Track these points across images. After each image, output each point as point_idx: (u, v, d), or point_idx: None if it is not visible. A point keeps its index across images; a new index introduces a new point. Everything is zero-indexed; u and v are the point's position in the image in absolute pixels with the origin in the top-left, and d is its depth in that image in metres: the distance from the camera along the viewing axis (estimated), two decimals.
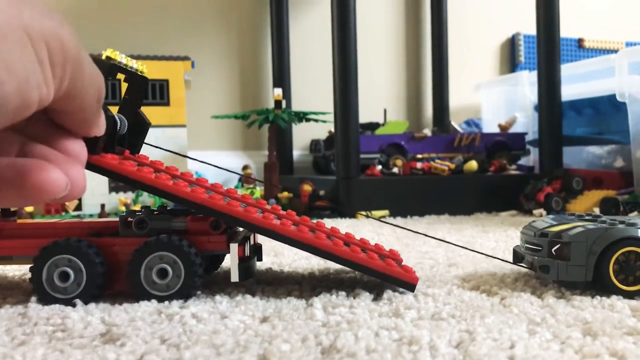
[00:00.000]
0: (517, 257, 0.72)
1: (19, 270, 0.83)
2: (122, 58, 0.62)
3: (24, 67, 0.25)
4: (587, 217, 0.72)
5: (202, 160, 0.72)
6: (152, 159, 0.67)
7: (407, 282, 0.65)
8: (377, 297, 0.64)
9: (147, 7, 2.19)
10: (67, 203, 1.71)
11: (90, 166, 0.59)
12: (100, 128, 0.34)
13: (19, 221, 0.73)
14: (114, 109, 0.60)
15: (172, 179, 0.64)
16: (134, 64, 0.64)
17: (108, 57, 0.61)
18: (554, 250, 0.65)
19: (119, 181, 0.62)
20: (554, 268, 0.65)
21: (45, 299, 0.63)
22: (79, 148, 0.32)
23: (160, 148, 0.67)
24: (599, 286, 0.65)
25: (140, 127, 0.63)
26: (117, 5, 2.15)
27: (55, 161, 0.29)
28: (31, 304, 0.62)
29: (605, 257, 0.63)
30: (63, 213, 1.71)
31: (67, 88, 0.28)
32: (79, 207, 1.76)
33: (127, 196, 1.81)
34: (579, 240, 0.63)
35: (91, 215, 1.73)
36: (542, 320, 0.54)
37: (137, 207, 1.68)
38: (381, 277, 0.65)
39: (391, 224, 0.77)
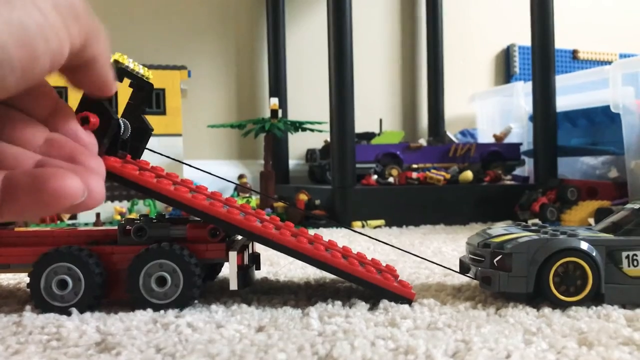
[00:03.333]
0: (464, 268, 0.71)
1: (13, 279, 0.83)
2: (129, 63, 0.62)
3: (19, 16, 0.25)
4: (532, 228, 0.71)
5: (198, 167, 0.72)
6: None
7: (404, 297, 0.65)
8: (373, 306, 0.64)
9: (144, 16, 2.20)
10: None
11: None
12: (114, 86, 0.34)
13: (16, 229, 0.72)
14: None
15: (173, 185, 0.64)
16: (141, 70, 0.64)
17: (116, 61, 0.62)
18: (496, 262, 0.64)
19: (121, 184, 0.62)
20: (495, 279, 0.64)
21: (42, 307, 0.63)
22: (98, 163, 0.32)
23: (160, 154, 0.67)
24: (540, 297, 0.64)
25: (142, 133, 0.63)
26: (114, 15, 2.15)
27: (73, 170, 0.29)
28: (26, 312, 0.62)
29: (545, 268, 0.63)
30: (58, 222, 1.70)
31: (83, 37, 0.28)
32: (74, 216, 1.75)
33: (123, 205, 1.80)
34: (520, 252, 0.63)
35: (86, 224, 1.72)
36: (537, 330, 0.55)
37: (133, 216, 1.67)
38: (378, 290, 0.65)
39: (362, 234, 0.77)
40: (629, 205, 0.70)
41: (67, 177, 0.27)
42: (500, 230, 0.71)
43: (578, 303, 0.63)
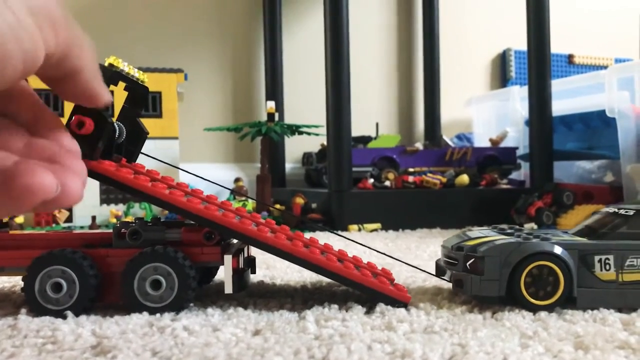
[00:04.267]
0: (440, 271, 0.71)
1: (8, 282, 0.83)
2: (124, 66, 0.62)
3: None
4: (508, 231, 0.71)
5: (193, 173, 0.72)
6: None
7: (399, 301, 0.65)
8: (370, 310, 0.64)
9: (140, 19, 2.20)
10: (57, 215, 1.70)
11: (88, 172, 0.59)
12: (107, 97, 0.34)
13: (10, 232, 0.72)
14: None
15: (168, 189, 0.63)
16: (136, 73, 0.64)
17: (111, 65, 0.62)
18: (469, 265, 0.64)
19: (116, 188, 0.62)
20: (467, 282, 0.64)
21: (37, 310, 0.63)
22: (79, 165, 0.31)
23: (153, 157, 0.67)
24: (513, 301, 0.64)
25: (138, 136, 0.63)
26: (111, 18, 2.15)
27: (48, 168, 0.29)
28: (21, 315, 0.62)
29: (517, 271, 0.63)
30: (53, 225, 1.70)
31: (63, 44, 0.28)
32: (69, 219, 1.75)
33: (119, 208, 1.80)
34: (492, 255, 0.63)
35: (82, 227, 1.72)
36: (534, 334, 0.55)
37: (129, 219, 1.67)
38: (374, 294, 0.65)
39: (344, 237, 0.76)
40: (604, 209, 0.71)
41: (38, 172, 0.27)
42: (476, 233, 0.71)
43: (550, 307, 0.63)
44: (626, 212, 0.67)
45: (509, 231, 0.71)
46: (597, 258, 0.63)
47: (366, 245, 0.78)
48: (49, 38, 0.27)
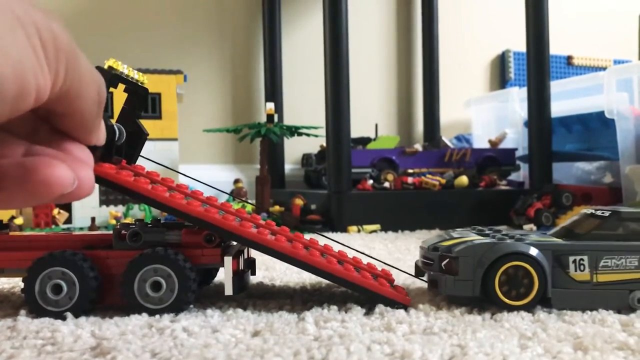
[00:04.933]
0: (419, 271, 0.72)
1: (7, 284, 0.83)
2: (124, 68, 0.62)
3: (18, 50, 0.25)
4: (485, 232, 0.72)
5: (190, 176, 0.72)
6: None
7: (399, 303, 0.65)
8: (369, 311, 0.64)
9: (140, 21, 2.20)
10: (57, 216, 1.70)
11: None
12: (100, 137, 0.34)
13: (10, 234, 0.72)
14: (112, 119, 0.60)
15: (168, 191, 0.63)
16: (135, 75, 0.64)
17: (110, 67, 0.62)
18: (444, 265, 0.65)
19: (116, 191, 0.62)
20: (442, 282, 0.65)
21: (36, 311, 0.63)
22: (85, 154, 0.31)
23: (150, 160, 0.67)
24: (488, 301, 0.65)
25: (137, 138, 0.63)
26: (111, 19, 2.15)
27: (63, 159, 0.29)
28: (20, 317, 0.62)
29: (491, 271, 0.63)
30: (53, 226, 1.70)
31: (64, 83, 0.28)
32: (69, 220, 1.75)
33: (118, 209, 1.80)
34: (467, 255, 0.64)
35: (81, 229, 1.72)
36: (533, 335, 0.55)
37: (128, 220, 1.67)
38: (374, 296, 0.65)
39: (327, 237, 0.76)
40: (582, 211, 0.71)
41: (56, 165, 0.27)
42: (454, 234, 0.71)
43: (524, 307, 0.63)
44: (602, 213, 0.67)
45: (486, 232, 0.71)
46: (571, 259, 0.64)
47: (345, 244, 0.78)
48: (58, 70, 0.27)
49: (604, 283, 0.63)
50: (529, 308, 0.63)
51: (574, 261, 0.64)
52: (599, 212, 0.68)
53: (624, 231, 0.65)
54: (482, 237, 0.67)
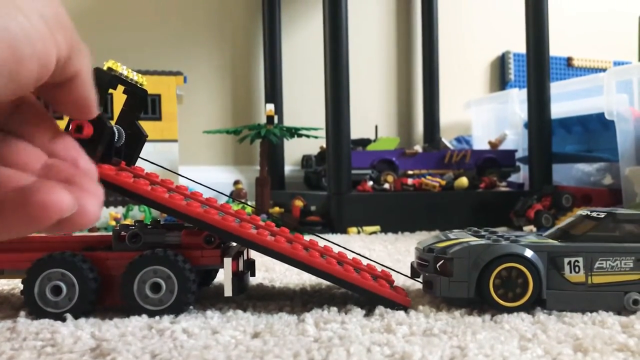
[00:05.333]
0: (415, 273, 0.71)
1: (7, 285, 0.83)
2: (123, 70, 0.62)
3: (5, 20, 0.25)
4: (481, 233, 0.72)
5: (189, 178, 0.72)
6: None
7: (399, 304, 0.65)
8: (369, 312, 0.64)
9: (140, 22, 2.20)
10: None
11: None
12: (95, 108, 0.34)
13: None
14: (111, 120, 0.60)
15: (167, 192, 0.63)
16: (135, 76, 0.64)
17: (109, 69, 0.62)
18: (438, 266, 0.65)
19: (115, 192, 0.62)
20: (437, 284, 0.65)
21: (36, 313, 0.63)
22: (96, 187, 0.31)
23: (149, 162, 0.67)
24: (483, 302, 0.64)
25: (137, 139, 0.63)
26: (110, 20, 2.16)
27: (65, 187, 0.29)
28: (20, 318, 0.62)
29: (486, 273, 0.63)
30: None
31: (68, 48, 0.28)
32: None
33: (118, 211, 1.80)
34: (461, 257, 0.64)
35: (81, 230, 1.71)
36: (533, 337, 0.55)
37: (128, 222, 1.67)
38: (373, 297, 0.65)
39: (321, 237, 0.76)
40: (578, 212, 0.71)
41: (54, 190, 0.27)
42: (450, 235, 0.71)
43: (519, 308, 0.63)
44: (598, 215, 0.67)
45: (482, 233, 0.71)
46: (566, 260, 0.64)
47: (336, 243, 0.78)
48: (59, 41, 0.27)
49: (599, 285, 0.64)
50: (524, 310, 0.63)
51: (569, 263, 0.64)
52: (594, 214, 0.68)
53: (620, 233, 0.65)
54: (477, 239, 0.67)
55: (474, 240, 0.66)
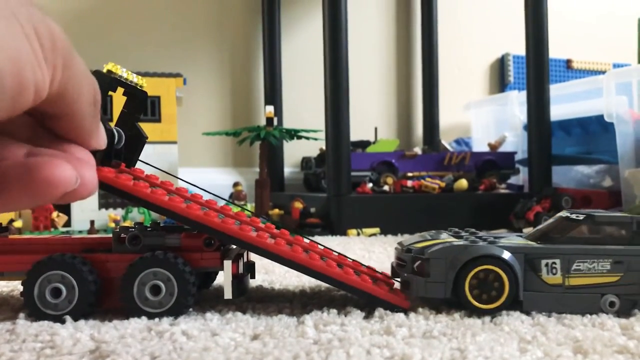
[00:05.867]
0: (395, 273, 0.71)
1: (6, 287, 0.83)
2: (122, 72, 0.63)
3: (15, 44, 0.24)
4: (461, 234, 0.72)
5: (187, 181, 0.72)
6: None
7: (398, 307, 0.65)
8: (369, 314, 0.64)
9: (139, 24, 2.20)
10: (56, 219, 1.70)
11: None
12: (100, 140, 0.33)
13: (10, 237, 0.72)
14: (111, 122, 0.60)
15: (167, 194, 0.63)
16: (134, 78, 0.64)
17: (109, 71, 0.62)
18: (416, 267, 0.65)
19: (115, 195, 0.62)
20: (414, 284, 0.65)
21: (35, 315, 0.63)
22: (86, 154, 0.31)
23: (148, 164, 0.67)
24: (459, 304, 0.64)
25: (137, 141, 0.63)
26: (110, 22, 2.16)
27: (65, 158, 0.29)
28: (19, 320, 0.62)
29: (462, 274, 0.63)
30: (52, 229, 1.69)
31: (61, 80, 0.28)
32: (68, 223, 1.75)
33: (117, 212, 1.80)
34: (438, 257, 0.63)
35: (80, 232, 1.71)
36: (533, 339, 0.55)
37: (128, 224, 1.67)
38: (373, 300, 0.65)
39: (309, 238, 0.76)
40: (558, 214, 0.71)
41: (59, 164, 0.27)
42: (428, 235, 0.71)
43: (495, 310, 0.63)
44: (577, 217, 0.67)
45: (462, 234, 0.71)
46: (544, 262, 0.64)
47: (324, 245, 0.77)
48: (55, 66, 0.27)
49: (576, 286, 0.64)
50: (499, 311, 0.63)
51: (547, 264, 0.64)
52: (574, 216, 0.68)
53: (598, 235, 0.66)
54: (455, 239, 0.67)
55: (452, 241, 0.66)
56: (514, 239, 0.68)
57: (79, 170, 0.29)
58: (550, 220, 0.71)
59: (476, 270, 0.63)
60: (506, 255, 0.63)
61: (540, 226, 0.71)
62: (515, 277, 0.63)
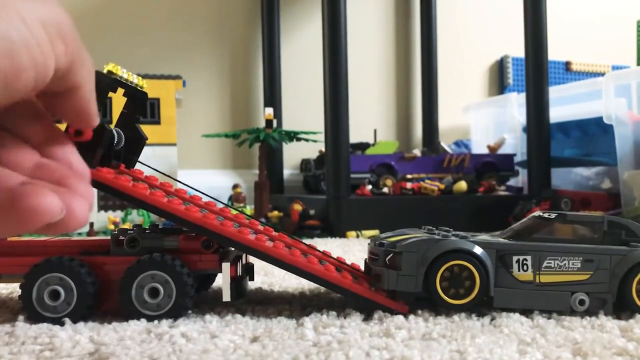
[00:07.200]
0: (368, 269, 0.71)
1: (5, 289, 0.82)
2: (123, 73, 0.63)
3: (6, 27, 0.25)
4: (435, 231, 0.72)
5: (186, 184, 0.72)
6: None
7: (395, 311, 0.65)
8: (368, 317, 0.64)
9: (139, 26, 2.20)
10: None
11: None
12: (97, 118, 0.34)
13: (8, 239, 0.72)
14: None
15: (166, 196, 0.63)
16: (135, 79, 0.64)
17: (109, 72, 0.62)
18: (388, 260, 0.65)
19: (114, 196, 0.62)
20: (385, 277, 0.65)
21: (34, 318, 0.62)
22: (86, 189, 0.31)
23: (147, 166, 0.67)
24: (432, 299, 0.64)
25: (136, 142, 0.63)
26: (109, 24, 2.16)
27: (55, 190, 0.29)
28: (19, 322, 0.62)
29: (433, 268, 0.63)
30: None
31: (67, 59, 0.28)
32: None
33: (116, 215, 1.80)
34: (410, 251, 0.64)
35: (79, 234, 1.71)
36: (532, 341, 0.55)
37: (127, 226, 1.67)
38: (371, 304, 0.65)
39: (298, 240, 0.76)
40: (533, 214, 0.71)
41: (44, 194, 0.27)
42: (403, 231, 0.71)
43: (465, 306, 0.63)
44: (549, 215, 0.68)
45: (435, 231, 0.71)
46: (515, 258, 0.64)
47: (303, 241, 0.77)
48: (59, 51, 0.27)
49: (546, 284, 0.64)
50: (470, 307, 0.63)
51: (518, 261, 0.64)
52: (546, 215, 0.68)
53: (570, 234, 0.66)
54: (428, 235, 0.67)
55: (424, 236, 0.66)
56: (488, 236, 0.68)
57: (69, 202, 0.29)
58: (524, 220, 0.71)
59: (447, 265, 0.63)
60: (478, 250, 0.63)
61: (514, 225, 0.72)
62: (486, 272, 0.63)
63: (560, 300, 0.64)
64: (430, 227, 0.72)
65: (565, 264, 0.64)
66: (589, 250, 0.64)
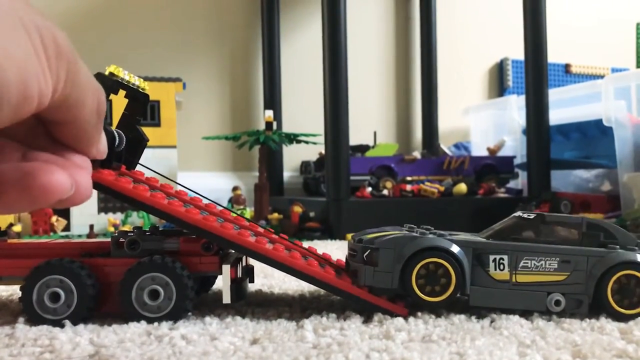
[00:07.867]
0: (348, 266, 0.71)
1: (5, 291, 0.83)
2: (124, 75, 0.63)
3: (22, 53, 0.25)
4: (417, 229, 0.72)
5: (186, 186, 0.72)
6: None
7: (395, 313, 0.65)
8: (368, 319, 0.64)
9: (139, 28, 2.20)
10: (55, 223, 1.70)
11: None
12: (100, 149, 0.33)
13: (9, 241, 0.72)
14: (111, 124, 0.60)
15: (167, 198, 0.63)
16: (136, 81, 0.64)
17: (111, 73, 0.62)
18: (365, 256, 0.65)
19: (115, 198, 0.62)
20: (362, 273, 0.64)
21: (34, 320, 0.62)
22: (83, 159, 0.31)
23: (148, 168, 0.67)
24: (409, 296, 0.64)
25: (137, 144, 0.63)
26: (110, 26, 2.16)
27: (60, 165, 0.29)
28: (19, 324, 0.62)
29: (409, 265, 0.63)
30: (51, 233, 1.69)
31: (64, 89, 0.28)
32: (67, 228, 1.75)
33: (116, 217, 1.80)
34: (387, 247, 0.64)
35: (80, 236, 1.71)
36: (532, 343, 0.55)
37: (127, 228, 1.67)
38: (371, 307, 0.65)
39: (290, 241, 0.76)
40: (513, 214, 0.71)
41: (55, 171, 0.27)
42: (384, 228, 0.71)
43: (440, 303, 0.63)
44: (528, 216, 0.68)
45: (415, 229, 0.71)
46: (492, 257, 0.64)
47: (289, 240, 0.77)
48: (59, 74, 0.27)
49: (522, 283, 0.64)
50: (446, 304, 0.63)
51: (494, 260, 0.64)
52: (525, 215, 0.68)
53: (548, 234, 0.66)
54: (407, 232, 0.67)
55: (402, 233, 0.66)
56: (466, 236, 0.68)
57: (74, 176, 0.29)
58: (505, 220, 0.71)
59: (424, 262, 0.63)
60: (454, 248, 0.63)
61: (494, 225, 0.72)
62: (462, 270, 0.63)
63: (536, 300, 0.64)
64: (411, 225, 0.72)
65: (542, 264, 0.64)
66: (566, 251, 0.65)
